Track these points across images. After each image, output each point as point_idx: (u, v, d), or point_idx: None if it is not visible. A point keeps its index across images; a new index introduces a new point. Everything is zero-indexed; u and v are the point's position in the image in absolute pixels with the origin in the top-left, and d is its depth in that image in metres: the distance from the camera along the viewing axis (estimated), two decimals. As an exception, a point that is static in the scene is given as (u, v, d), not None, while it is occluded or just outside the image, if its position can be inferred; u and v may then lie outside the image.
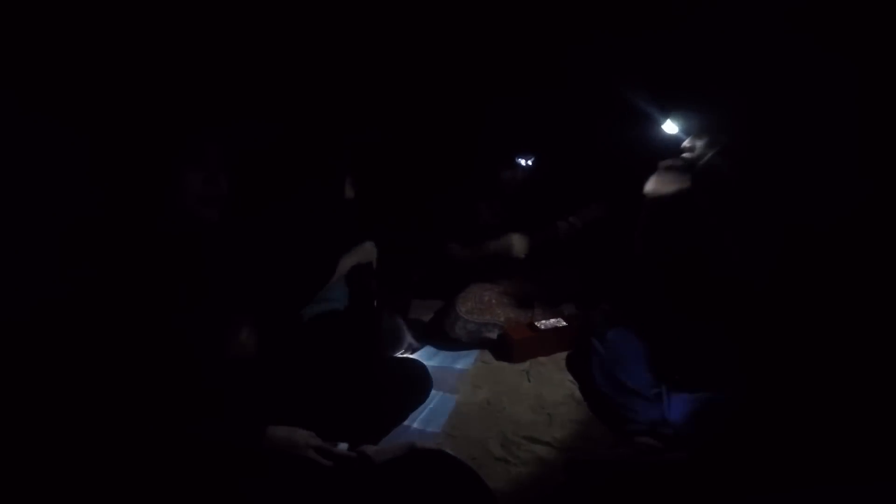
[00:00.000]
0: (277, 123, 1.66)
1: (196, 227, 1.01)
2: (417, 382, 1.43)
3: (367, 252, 1.66)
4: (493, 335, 1.78)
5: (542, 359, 1.69)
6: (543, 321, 1.77)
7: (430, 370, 1.52)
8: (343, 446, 1.04)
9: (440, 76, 2.25)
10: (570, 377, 1.57)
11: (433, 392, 1.47)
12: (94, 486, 0.79)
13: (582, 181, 2.18)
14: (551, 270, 2.10)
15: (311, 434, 1.01)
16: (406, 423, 1.35)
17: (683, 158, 1.38)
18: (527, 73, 2.16)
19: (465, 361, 1.70)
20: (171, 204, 0.97)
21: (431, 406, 1.44)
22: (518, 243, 2.00)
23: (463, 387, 1.55)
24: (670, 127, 1.42)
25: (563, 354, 1.70)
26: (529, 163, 2.04)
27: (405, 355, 1.68)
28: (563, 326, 1.75)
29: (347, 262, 1.60)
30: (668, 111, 1.44)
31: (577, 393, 1.49)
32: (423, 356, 1.72)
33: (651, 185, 1.42)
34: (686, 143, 1.37)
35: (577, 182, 2.19)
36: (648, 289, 1.53)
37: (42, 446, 0.79)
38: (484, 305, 1.85)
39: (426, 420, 1.38)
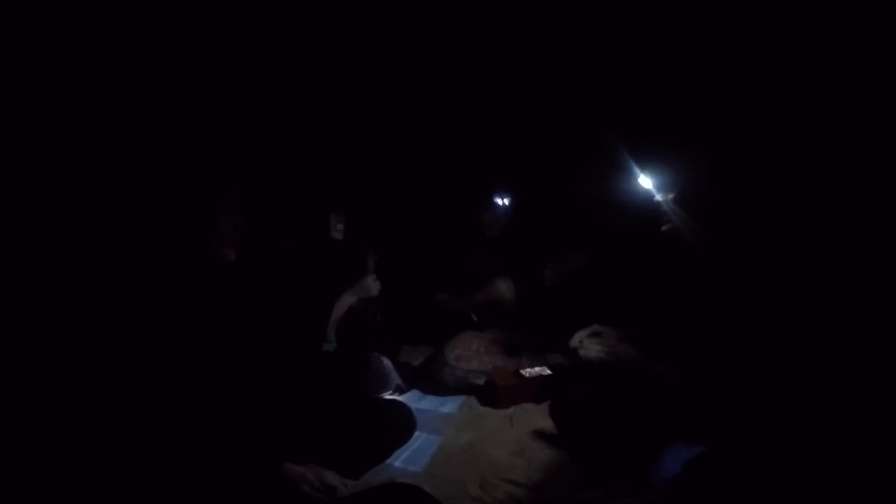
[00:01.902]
0: (284, 167, 1.82)
1: (217, 266, 1.13)
2: (402, 423, 1.48)
3: (366, 288, 1.75)
4: (480, 381, 1.83)
5: (526, 405, 1.73)
6: (529, 369, 1.82)
7: (415, 412, 1.57)
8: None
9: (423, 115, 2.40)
10: (552, 423, 1.61)
11: (417, 433, 1.52)
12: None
13: (562, 221, 2.29)
14: (539, 320, 2.17)
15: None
16: (389, 461, 1.39)
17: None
18: (501, 110, 2.29)
19: (450, 406, 1.75)
20: (204, 247, 1.11)
21: (415, 446, 1.48)
22: (506, 290, 2.09)
23: (447, 429, 1.59)
24: (644, 182, 1.48)
25: (547, 401, 1.74)
26: (506, 202, 2.16)
27: (392, 397, 1.74)
28: (548, 375, 1.80)
29: (348, 299, 1.70)
30: (642, 166, 1.50)
31: (558, 438, 1.53)
32: (411, 399, 1.77)
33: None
34: (660, 197, 1.41)
35: (558, 221, 2.30)
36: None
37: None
38: (472, 353, 1.92)
39: (408, 459, 1.42)
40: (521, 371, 1.81)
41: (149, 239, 1.10)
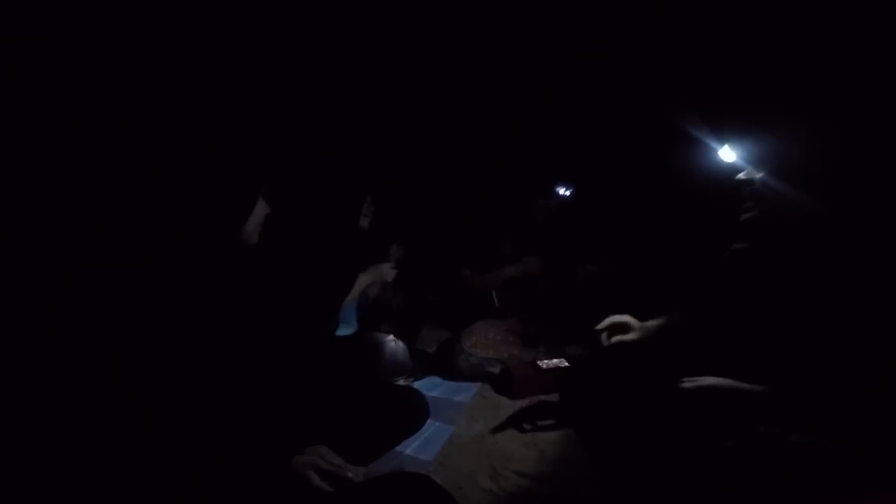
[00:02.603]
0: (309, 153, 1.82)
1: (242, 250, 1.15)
2: (414, 411, 1.47)
3: (381, 273, 1.78)
4: (495, 370, 1.81)
5: (542, 397, 1.71)
6: (546, 360, 1.79)
7: (429, 400, 1.56)
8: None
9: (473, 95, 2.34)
10: (567, 416, 1.59)
11: (430, 421, 1.51)
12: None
13: (614, 218, 2.22)
14: (561, 312, 2.13)
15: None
16: (399, 448, 1.39)
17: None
18: (568, 96, 2.22)
19: (465, 394, 1.74)
20: (236, 232, 1.12)
21: (427, 434, 1.47)
22: (533, 264, 2.05)
23: (460, 418, 1.58)
24: (727, 154, 1.24)
25: (563, 393, 1.71)
26: (568, 193, 2.11)
27: (405, 383, 1.73)
28: (566, 367, 1.77)
29: (363, 280, 1.73)
30: (725, 136, 1.25)
31: (572, 432, 1.50)
32: (425, 386, 1.76)
33: None
34: (743, 176, 1.17)
35: (608, 219, 2.24)
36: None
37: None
38: (488, 341, 1.90)
39: (419, 448, 1.41)
40: (539, 362, 1.78)
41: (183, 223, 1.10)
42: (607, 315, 1.67)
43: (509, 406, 1.66)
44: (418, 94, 2.32)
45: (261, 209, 1.16)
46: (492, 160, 2.48)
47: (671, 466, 1.17)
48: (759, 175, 1.13)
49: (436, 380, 1.85)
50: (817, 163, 1.06)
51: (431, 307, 2.31)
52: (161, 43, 1.59)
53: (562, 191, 2.12)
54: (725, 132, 1.25)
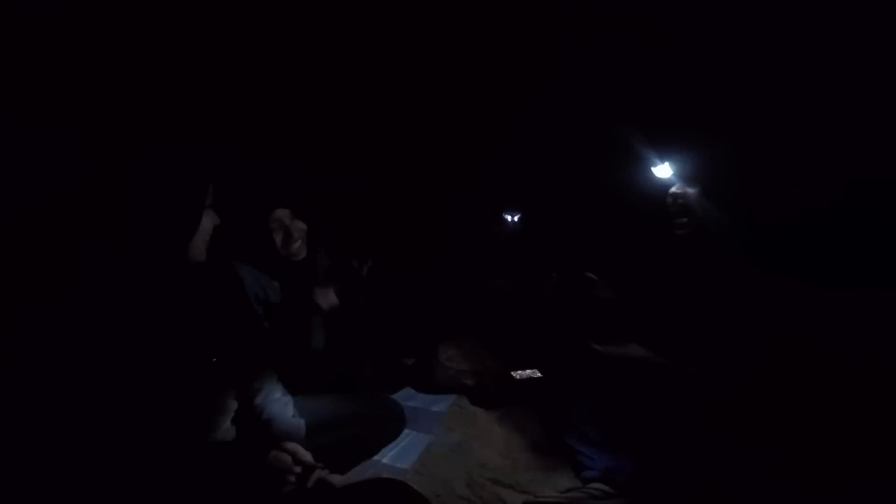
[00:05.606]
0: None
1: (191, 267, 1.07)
2: (391, 420, 1.49)
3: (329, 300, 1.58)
4: (471, 381, 1.85)
5: (515, 407, 1.75)
6: (520, 371, 1.84)
7: (406, 410, 1.59)
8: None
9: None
10: (540, 425, 1.63)
11: (407, 431, 1.54)
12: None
13: (569, 232, 2.28)
14: (533, 323, 2.19)
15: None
16: (377, 457, 1.41)
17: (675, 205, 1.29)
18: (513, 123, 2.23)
19: (441, 404, 1.77)
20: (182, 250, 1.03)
21: (404, 444, 1.50)
22: (501, 283, 2.10)
23: (437, 428, 1.61)
24: (664, 171, 1.35)
25: (537, 403, 1.76)
26: (516, 219, 2.17)
27: (381, 394, 1.75)
28: (539, 377, 1.82)
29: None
30: (663, 154, 1.35)
31: (545, 441, 1.55)
32: (402, 397, 1.79)
33: None
34: (675, 189, 1.30)
35: (564, 234, 2.29)
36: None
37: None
38: (464, 353, 1.94)
39: (397, 456, 1.44)
40: (513, 373, 1.83)
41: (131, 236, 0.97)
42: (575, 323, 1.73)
43: (485, 416, 1.70)
44: (379, 106, 2.26)
45: (209, 222, 1.05)
46: (450, 186, 2.44)
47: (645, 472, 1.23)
48: (690, 190, 1.26)
49: (412, 391, 1.88)
50: (734, 181, 1.22)
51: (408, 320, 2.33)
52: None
53: (509, 217, 2.19)
54: (664, 150, 1.37)
